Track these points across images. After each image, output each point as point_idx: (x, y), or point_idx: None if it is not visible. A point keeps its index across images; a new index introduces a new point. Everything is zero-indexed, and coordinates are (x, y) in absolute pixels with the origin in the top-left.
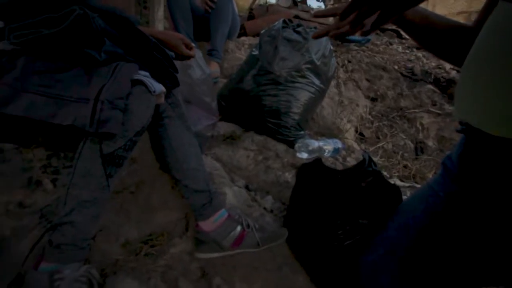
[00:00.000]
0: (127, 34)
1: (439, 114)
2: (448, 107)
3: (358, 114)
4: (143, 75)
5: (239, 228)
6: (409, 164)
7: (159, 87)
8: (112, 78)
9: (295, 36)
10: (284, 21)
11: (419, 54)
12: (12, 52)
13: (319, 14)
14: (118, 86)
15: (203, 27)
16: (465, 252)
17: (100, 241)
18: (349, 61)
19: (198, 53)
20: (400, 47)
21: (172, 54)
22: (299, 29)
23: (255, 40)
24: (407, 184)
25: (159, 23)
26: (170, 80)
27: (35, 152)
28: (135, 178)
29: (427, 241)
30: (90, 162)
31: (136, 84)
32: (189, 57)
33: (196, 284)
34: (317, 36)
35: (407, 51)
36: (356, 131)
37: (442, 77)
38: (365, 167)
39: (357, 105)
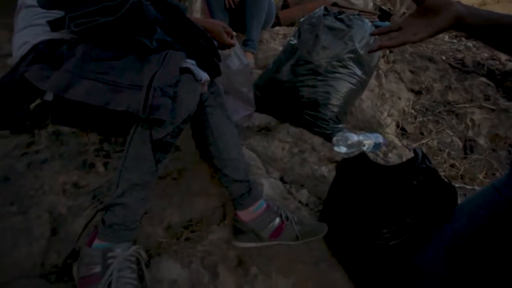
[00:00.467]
0: (177, 22)
1: (493, 110)
2: (503, 102)
3: (400, 107)
4: (190, 63)
5: (278, 219)
6: (456, 164)
7: (204, 76)
8: (163, 66)
9: (337, 24)
10: (325, 9)
11: (469, 43)
12: (72, 41)
13: (376, 33)
14: (168, 73)
15: (238, 18)
16: None
17: (145, 223)
18: (391, 51)
19: (236, 44)
20: (447, 36)
21: (214, 42)
22: (342, 16)
23: (289, 30)
24: (456, 185)
25: (197, 14)
26: (213, 69)
27: (90, 136)
28: (178, 165)
29: (488, 247)
30: (141, 147)
31: (183, 72)
32: (230, 45)
33: (234, 271)
34: (373, 51)
35: (455, 41)
36: (398, 126)
37: (496, 69)
38: (418, 163)
39: (399, 98)
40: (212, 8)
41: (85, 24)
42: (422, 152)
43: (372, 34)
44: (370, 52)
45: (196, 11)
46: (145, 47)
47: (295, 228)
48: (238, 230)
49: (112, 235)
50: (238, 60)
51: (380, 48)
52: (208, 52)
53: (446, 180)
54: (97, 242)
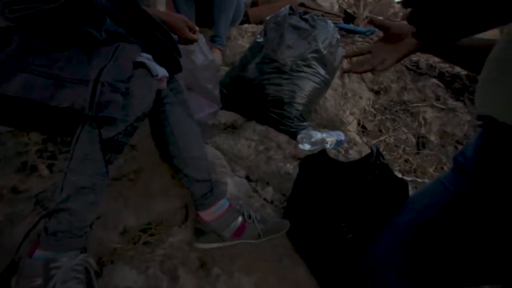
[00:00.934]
0: (130, 13)
1: (442, 109)
2: (451, 102)
3: (361, 106)
4: (146, 58)
5: (240, 218)
6: (410, 159)
7: (161, 71)
8: (113, 59)
9: (302, 24)
10: (290, 8)
11: None
12: (8, 29)
13: (350, 55)
14: (119, 68)
15: (206, 13)
16: (471, 250)
17: (98, 229)
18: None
19: (201, 38)
20: None
21: (176, 37)
22: (306, 16)
23: (258, 28)
24: (408, 179)
25: (161, 7)
26: (173, 65)
27: (31, 135)
28: (134, 165)
29: (433, 238)
30: (89, 147)
31: (137, 67)
32: (192, 41)
33: (195, 273)
34: (344, 72)
35: None
36: (359, 124)
37: (447, 71)
38: (373, 160)
39: (361, 97)
40: (176, 1)
41: (22, 11)
42: (377, 149)
43: (345, 57)
44: (344, 72)
45: (161, 3)
46: (93, 38)
47: (257, 227)
48: (200, 231)
49: (56, 244)
50: (203, 55)
51: (353, 72)
52: (166, 46)
53: (400, 174)
54: (39, 252)
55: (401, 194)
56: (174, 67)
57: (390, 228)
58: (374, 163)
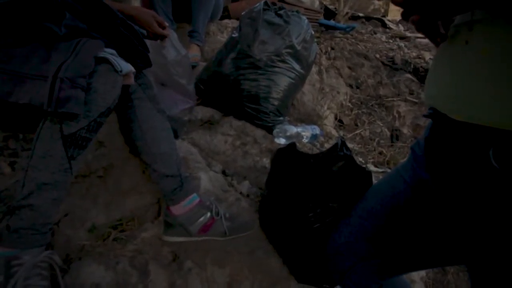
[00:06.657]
0: (91, 7)
1: (415, 103)
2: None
3: (338, 101)
4: (109, 53)
5: (208, 214)
6: (384, 151)
7: (126, 67)
8: (73, 55)
9: (276, 19)
10: (265, 3)
11: (401, 44)
12: None
13: None
14: (80, 63)
15: (184, 7)
16: (428, 236)
17: (65, 226)
18: (332, 48)
19: (173, 34)
20: (384, 36)
21: (144, 32)
22: (281, 12)
23: (237, 23)
24: (380, 170)
25: (135, 2)
26: (141, 60)
27: None
28: (103, 161)
29: (392, 225)
30: (50, 143)
31: (101, 62)
32: (162, 36)
33: (167, 267)
34: None
35: (390, 41)
36: (336, 118)
37: (421, 66)
38: (337, 151)
39: (338, 92)
40: None
41: None
42: (342, 141)
43: None
44: None
45: None
46: (53, 33)
47: (224, 224)
48: (168, 224)
49: (19, 241)
50: (174, 50)
51: None
52: (131, 41)
53: (373, 166)
54: (1, 250)
55: (364, 183)
56: (142, 62)
57: (351, 218)
58: (339, 155)
